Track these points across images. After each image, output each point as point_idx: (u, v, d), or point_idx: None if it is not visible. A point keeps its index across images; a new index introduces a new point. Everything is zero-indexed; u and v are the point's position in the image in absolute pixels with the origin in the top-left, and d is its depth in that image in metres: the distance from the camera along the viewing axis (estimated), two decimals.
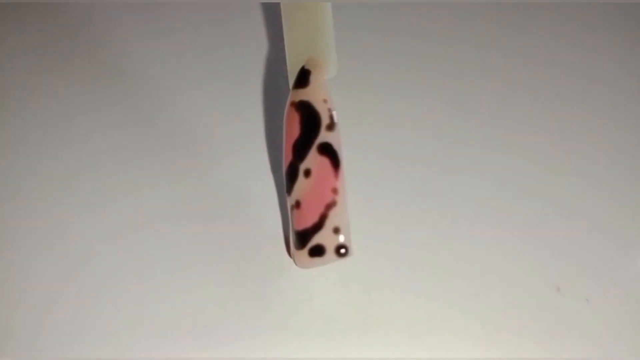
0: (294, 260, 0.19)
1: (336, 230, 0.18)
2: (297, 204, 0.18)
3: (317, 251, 0.18)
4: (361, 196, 0.21)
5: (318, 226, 0.18)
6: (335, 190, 0.18)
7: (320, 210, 0.18)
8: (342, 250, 0.18)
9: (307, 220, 0.18)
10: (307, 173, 0.18)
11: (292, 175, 0.18)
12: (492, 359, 0.19)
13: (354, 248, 0.19)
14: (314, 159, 0.18)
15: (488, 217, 0.22)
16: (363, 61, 0.26)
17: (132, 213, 0.22)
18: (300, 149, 0.18)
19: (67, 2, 0.28)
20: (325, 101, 0.19)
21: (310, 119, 0.18)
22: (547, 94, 0.26)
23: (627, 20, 0.27)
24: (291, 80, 0.20)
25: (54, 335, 0.20)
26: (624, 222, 0.23)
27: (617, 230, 0.22)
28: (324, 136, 0.18)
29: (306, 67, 0.19)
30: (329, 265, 0.19)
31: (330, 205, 0.18)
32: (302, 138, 0.18)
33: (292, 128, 0.18)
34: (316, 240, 0.18)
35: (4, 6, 0.28)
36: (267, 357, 0.19)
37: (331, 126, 0.19)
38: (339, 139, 0.19)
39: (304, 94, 0.19)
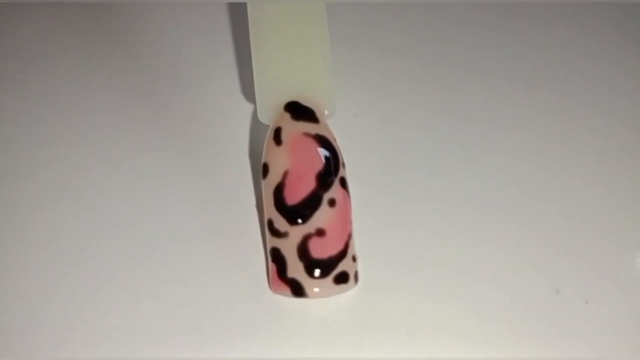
0: (304, 290, 0.19)
1: (354, 259, 0.19)
2: (320, 232, 0.18)
3: (343, 278, 0.19)
4: (360, 196, 0.22)
5: (343, 254, 0.19)
6: (351, 222, 0.19)
7: (344, 239, 0.19)
8: (357, 277, 0.20)
9: (334, 248, 0.19)
10: (332, 203, 0.19)
11: (314, 204, 0.18)
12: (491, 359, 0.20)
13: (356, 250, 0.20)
14: (337, 191, 0.19)
15: (487, 219, 0.22)
16: (360, 61, 0.26)
17: (124, 210, 0.22)
18: (325, 180, 0.19)
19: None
20: (335, 141, 0.20)
21: (332, 154, 0.19)
22: (547, 93, 0.25)
23: (627, 21, 0.27)
24: (265, 107, 0.20)
25: (48, 335, 0.20)
26: (623, 222, 0.23)
27: (616, 231, 0.22)
28: (342, 172, 0.19)
29: (304, 104, 0.20)
30: None
31: (350, 235, 0.19)
32: (326, 169, 0.19)
33: (312, 158, 0.19)
34: (341, 268, 0.19)
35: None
36: (264, 357, 0.19)
37: (344, 164, 0.20)
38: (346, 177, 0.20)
39: (317, 129, 0.19)
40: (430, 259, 0.21)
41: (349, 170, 0.21)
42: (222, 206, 0.22)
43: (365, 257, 0.21)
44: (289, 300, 0.20)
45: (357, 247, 0.20)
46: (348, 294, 0.20)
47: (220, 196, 0.22)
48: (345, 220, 0.19)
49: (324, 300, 0.20)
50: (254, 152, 0.23)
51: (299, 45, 0.20)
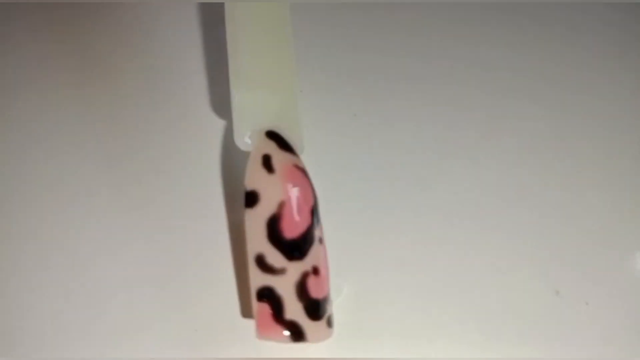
0: (305, 334, 0.18)
1: (331, 303, 0.19)
2: (316, 271, 0.18)
3: (330, 321, 0.19)
4: (357, 199, 0.22)
5: (329, 295, 0.18)
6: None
7: (329, 280, 0.18)
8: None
9: (325, 288, 0.18)
10: (320, 240, 0.18)
11: (310, 240, 0.18)
12: None
13: (354, 250, 0.21)
14: (320, 230, 0.19)
15: (487, 221, 0.22)
16: (354, 60, 0.25)
17: (121, 214, 0.22)
18: (317, 216, 0.18)
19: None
20: None
21: (314, 191, 0.19)
22: (545, 96, 0.25)
23: (627, 20, 0.27)
24: (244, 130, 0.20)
25: (43, 335, 0.20)
26: (622, 226, 0.23)
27: (616, 234, 0.22)
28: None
29: (283, 136, 0.20)
30: None
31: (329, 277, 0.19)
32: (316, 206, 0.18)
33: (306, 192, 0.18)
34: (329, 310, 0.18)
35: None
36: (258, 357, 0.20)
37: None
38: None
39: (301, 164, 0.19)
40: (429, 261, 0.21)
41: (345, 173, 0.22)
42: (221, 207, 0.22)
43: (363, 260, 0.21)
44: None
45: (356, 251, 0.21)
46: (344, 297, 0.20)
47: (217, 197, 0.22)
48: (327, 259, 0.18)
49: None
50: (226, 177, 0.23)
51: (273, 77, 0.20)
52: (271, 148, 0.19)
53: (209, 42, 0.26)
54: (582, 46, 0.26)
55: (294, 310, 0.17)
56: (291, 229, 0.18)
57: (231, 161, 0.23)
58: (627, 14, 0.28)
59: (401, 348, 0.20)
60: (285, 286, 0.17)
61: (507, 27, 0.27)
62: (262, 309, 0.18)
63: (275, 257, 0.17)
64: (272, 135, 0.19)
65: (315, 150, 0.22)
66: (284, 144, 0.19)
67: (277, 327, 0.18)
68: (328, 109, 0.24)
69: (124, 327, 0.20)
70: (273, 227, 0.18)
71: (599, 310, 0.21)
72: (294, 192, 0.18)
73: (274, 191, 0.18)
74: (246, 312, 0.20)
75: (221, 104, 0.22)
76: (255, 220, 0.18)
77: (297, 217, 0.18)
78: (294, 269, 0.17)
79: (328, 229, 0.20)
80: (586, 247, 0.22)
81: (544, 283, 0.21)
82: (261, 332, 0.18)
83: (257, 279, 0.18)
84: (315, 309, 0.18)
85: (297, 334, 0.18)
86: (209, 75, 0.25)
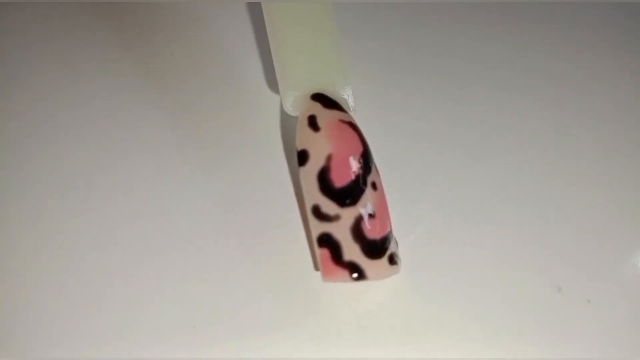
0: (364, 272, 0.19)
1: (397, 243, 0.20)
2: (370, 214, 0.18)
3: (394, 259, 0.19)
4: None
5: (391, 234, 0.19)
6: (387, 206, 0.19)
7: (389, 220, 0.19)
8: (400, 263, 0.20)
9: (384, 228, 0.19)
10: (374, 186, 0.19)
11: (360, 187, 0.19)
12: (493, 359, 0.20)
13: None
14: (376, 176, 0.19)
15: (488, 217, 0.23)
16: (368, 56, 0.26)
17: (122, 209, 0.22)
18: (368, 164, 0.19)
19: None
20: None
21: (364, 140, 0.19)
22: (547, 94, 0.26)
23: (627, 20, 0.28)
24: (291, 97, 0.21)
25: (42, 335, 0.20)
26: (624, 222, 0.23)
27: (617, 230, 0.23)
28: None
29: (332, 97, 0.21)
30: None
31: (390, 218, 0.19)
32: (367, 154, 0.19)
33: (353, 143, 0.19)
34: (391, 249, 0.19)
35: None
36: (257, 357, 0.20)
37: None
38: None
39: (350, 118, 0.20)
40: (430, 259, 0.22)
41: None
42: (222, 203, 0.22)
43: None
44: (286, 298, 0.20)
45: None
46: (343, 294, 0.21)
47: (220, 192, 0.23)
48: (386, 203, 0.19)
49: (321, 298, 0.20)
50: (285, 143, 0.24)
51: (315, 40, 0.21)
52: (316, 109, 0.20)
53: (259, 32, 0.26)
54: (585, 44, 0.27)
55: (351, 251, 0.18)
56: (340, 179, 0.18)
57: (289, 129, 0.24)
58: (627, 13, 0.28)
59: (401, 346, 0.20)
60: (341, 231, 0.18)
61: (508, 25, 0.27)
62: (324, 253, 0.18)
63: (329, 206, 0.18)
64: (317, 97, 0.20)
65: None
66: (329, 103, 0.20)
67: (338, 269, 0.18)
68: None
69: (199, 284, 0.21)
70: (323, 179, 0.18)
71: (601, 307, 0.21)
72: (339, 144, 0.19)
73: (321, 147, 0.19)
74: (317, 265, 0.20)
75: (275, 81, 0.23)
76: (308, 176, 0.19)
77: (344, 167, 0.18)
78: (347, 215, 0.18)
79: None
80: (588, 244, 0.22)
81: (545, 280, 0.21)
82: (325, 275, 0.19)
83: (317, 228, 0.19)
84: (372, 248, 0.18)
85: (358, 273, 0.18)
86: (263, 59, 0.25)
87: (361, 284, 0.20)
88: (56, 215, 0.22)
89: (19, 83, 0.24)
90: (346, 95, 0.21)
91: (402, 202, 0.22)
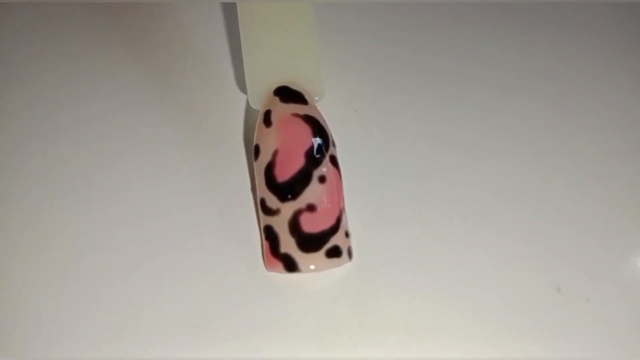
0: (297, 265, 0.19)
1: (347, 234, 0.20)
2: (311, 207, 0.19)
3: (335, 252, 0.19)
4: (359, 197, 0.22)
5: (335, 229, 0.19)
6: (343, 198, 0.20)
7: (336, 214, 0.19)
8: (351, 253, 0.20)
9: (325, 223, 0.19)
10: (322, 179, 0.19)
11: (304, 180, 0.19)
12: (493, 359, 0.20)
13: (353, 248, 0.20)
14: (327, 168, 0.19)
15: (488, 218, 0.22)
16: (354, 57, 0.26)
17: (121, 209, 0.22)
18: (314, 157, 0.19)
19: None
20: (324, 122, 0.20)
21: (321, 133, 0.20)
22: (546, 94, 0.25)
23: (627, 20, 0.27)
24: (256, 93, 0.21)
25: (41, 335, 0.20)
26: (623, 222, 0.23)
27: (617, 230, 0.22)
28: (332, 150, 0.20)
29: (294, 88, 0.21)
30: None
31: (342, 211, 0.19)
32: (316, 147, 0.19)
33: (301, 137, 0.19)
34: (333, 242, 0.19)
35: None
36: (256, 357, 0.20)
37: (334, 143, 0.20)
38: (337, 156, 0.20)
39: (306, 110, 0.20)
40: (430, 258, 0.22)
41: (345, 171, 0.21)
42: (217, 202, 0.22)
43: (365, 257, 0.21)
44: (284, 301, 0.20)
45: (356, 246, 0.21)
46: (345, 294, 0.21)
47: (217, 192, 0.23)
48: (336, 195, 0.19)
49: (320, 298, 0.20)
50: (249, 139, 0.24)
51: (286, 35, 0.21)
52: (274, 103, 0.20)
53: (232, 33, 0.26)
54: (584, 45, 0.26)
55: (287, 244, 0.19)
56: (282, 174, 0.19)
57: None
58: (627, 13, 0.28)
59: (401, 346, 0.20)
60: (280, 225, 0.19)
61: (508, 24, 0.27)
62: (266, 245, 0.19)
63: (271, 200, 0.19)
64: (278, 91, 0.21)
65: None
66: (289, 96, 0.21)
67: (275, 261, 0.19)
68: (328, 106, 0.24)
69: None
70: (269, 174, 0.19)
71: (601, 307, 0.21)
72: (285, 140, 0.19)
73: (270, 142, 0.20)
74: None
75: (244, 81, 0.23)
76: (259, 170, 0.20)
77: (287, 163, 0.19)
78: (287, 208, 0.19)
79: None
80: (588, 244, 0.22)
81: (545, 280, 0.21)
82: (267, 266, 0.20)
83: (263, 220, 0.20)
84: (307, 242, 0.19)
85: (291, 266, 0.19)
86: (234, 61, 0.26)
87: (364, 282, 0.21)
88: (56, 215, 0.22)
89: (19, 83, 0.25)
90: (314, 85, 0.21)
91: (402, 202, 0.23)
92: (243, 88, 0.24)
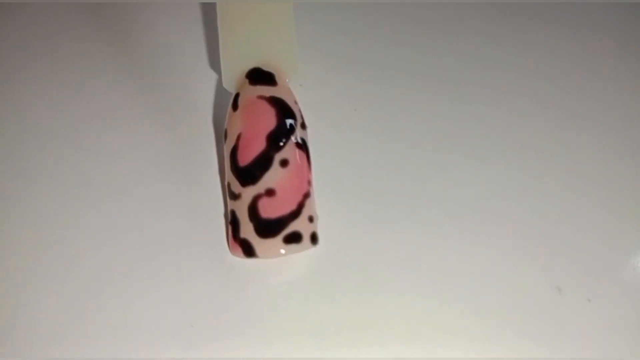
0: (254, 250, 0.19)
1: (311, 219, 0.19)
2: (270, 192, 0.19)
3: (294, 238, 0.19)
4: (357, 196, 0.22)
5: (295, 214, 0.19)
6: (309, 182, 0.19)
7: (298, 199, 0.19)
8: (315, 238, 0.20)
9: (284, 208, 0.19)
10: (284, 163, 0.19)
11: (264, 164, 0.19)
12: (493, 359, 0.20)
13: (354, 248, 0.21)
14: (291, 151, 0.19)
15: (488, 217, 0.22)
16: (355, 56, 0.26)
17: (118, 210, 0.22)
18: (276, 140, 0.19)
19: None
20: (295, 102, 0.20)
21: (287, 114, 0.19)
22: (547, 93, 0.25)
23: (628, 20, 0.28)
24: (230, 75, 0.21)
25: (39, 334, 0.20)
26: (624, 222, 0.22)
27: (617, 230, 0.22)
28: (299, 133, 0.19)
29: (266, 69, 0.21)
30: (322, 262, 0.20)
31: (306, 195, 0.19)
32: (278, 130, 0.19)
33: (264, 119, 0.19)
34: (292, 227, 0.19)
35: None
36: (255, 356, 0.20)
37: (304, 125, 0.20)
38: (307, 138, 0.20)
39: (274, 92, 0.20)
40: (430, 258, 0.21)
41: (346, 168, 0.22)
42: (212, 203, 0.22)
43: (363, 257, 0.21)
44: (281, 300, 0.20)
45: (356, 245, 0.21)
46: (343, 293, 0.20)
47: (211, 193, 0.23)
48: (300, 180, 0.19)
49: (318, 298, 0.20)
50: (219, 121, 0.24)
51: (262, 16, 0.21)
52: (243, 86, 0.20)
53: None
54: (584, 45, 0.27)
55: (246, 230, 0.19)
56: (243, 158, 0.19)
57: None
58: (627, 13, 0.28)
59: (401, 345, 0.20)
60: (241, 209, 0.19)
61: (508, 23, 0.27)
62: (229, 230, 0.19)
63: (235, 185, 0.19)
64: (249, 73, 0.21)
65: (315, 146, 0.22)
66: (257, 78, 0.20)
67: (235, 245, 0.19)
68: (328, 105, 0.24)
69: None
70: (232, 158, 0.19)
71: (601, 307, 0.20)
72: (248, 123, 0.19)
73: (235, 126, 0.19)
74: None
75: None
76: (226, 154, 0.20)
77: (248, 146, 0.19)
78: (247, 193, 0.19)
79: (326, 222, 0.21)
80: (588, 244, 0.22)
81: (545, 280, 0.21)
82: (231, 250, 0.20)
83: (229, 205, 0.19)
84: (265, 227, 0.18)
85: (248, 251, 0.19)
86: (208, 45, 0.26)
87: (362, 280, 0.21)
88: (56, 215, 0.22)
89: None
90: (288, 65, 0.21)
91: (402, 201, 0.22)
92: (218, 70, 0.24)
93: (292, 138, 0.19)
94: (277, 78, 0.20)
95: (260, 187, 0.19)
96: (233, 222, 0.19)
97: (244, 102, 0.20)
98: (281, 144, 0.19)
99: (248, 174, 0.19)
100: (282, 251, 0.19)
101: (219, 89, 0.25)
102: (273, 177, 0.19)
